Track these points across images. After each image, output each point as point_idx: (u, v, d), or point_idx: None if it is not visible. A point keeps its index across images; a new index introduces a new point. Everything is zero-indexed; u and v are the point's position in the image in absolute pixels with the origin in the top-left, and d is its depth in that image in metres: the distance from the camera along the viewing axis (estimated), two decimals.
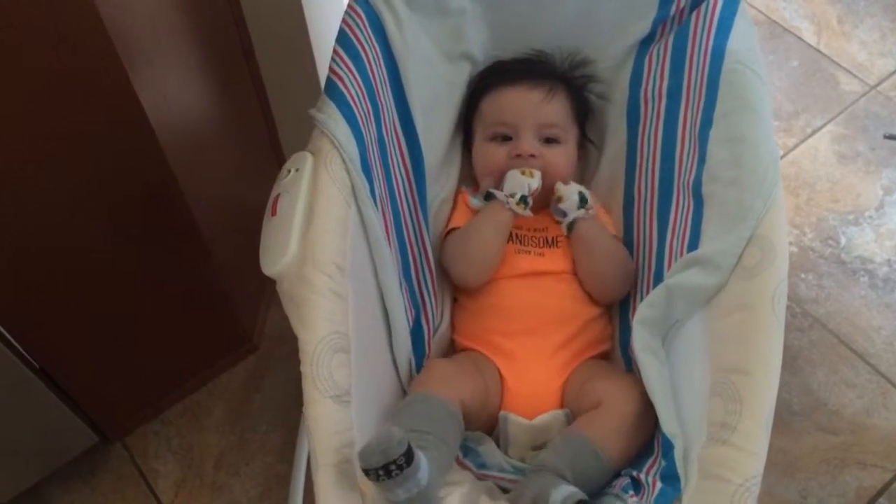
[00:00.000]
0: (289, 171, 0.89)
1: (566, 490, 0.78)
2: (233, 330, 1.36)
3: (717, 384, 0.79)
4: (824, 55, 1.78)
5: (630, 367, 0.99)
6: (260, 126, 1.39)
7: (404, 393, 0.95)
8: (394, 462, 0.70)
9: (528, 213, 1.02)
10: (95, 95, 0.86)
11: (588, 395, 0.91)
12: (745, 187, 0.87)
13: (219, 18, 1.18)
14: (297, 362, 1.36)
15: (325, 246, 0.83)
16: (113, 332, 1.16)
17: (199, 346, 1.33)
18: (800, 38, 1.81)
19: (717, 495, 0.73)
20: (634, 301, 1.02)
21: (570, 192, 1.02)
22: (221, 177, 1.24)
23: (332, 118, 0.90)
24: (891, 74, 1.75)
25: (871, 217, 1.54)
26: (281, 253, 0.83)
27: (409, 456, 0.71)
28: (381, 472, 0.70)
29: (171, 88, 1.02)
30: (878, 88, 1.73)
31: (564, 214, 1.03)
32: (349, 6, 1.01)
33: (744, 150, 0.90)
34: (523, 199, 1.01)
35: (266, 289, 1.46)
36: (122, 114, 0.90)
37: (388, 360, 0.93)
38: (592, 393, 0.91)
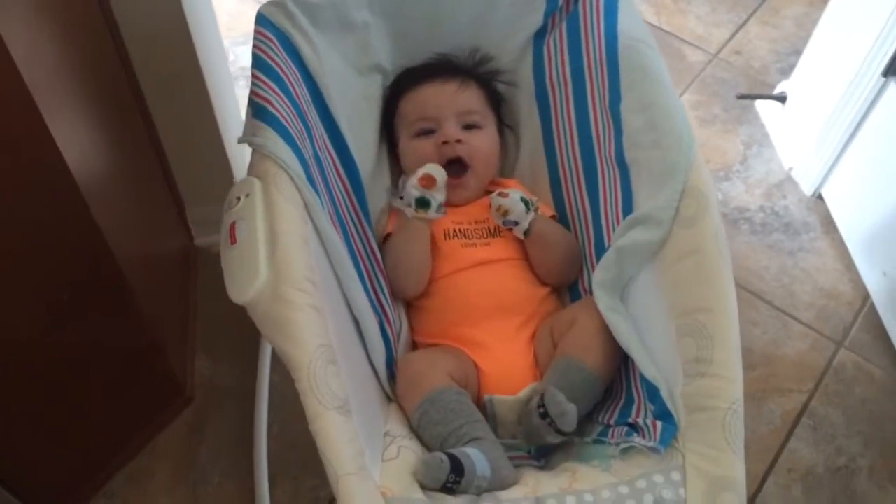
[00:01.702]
0: (238, 199, 0.88)
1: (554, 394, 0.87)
2: (167, 384, 1.30)
3: (684, 326, 0.86)
4: (668, 32, 1.94)
5: None
6: (157, 172, 1.35)
7: (388, 398, 0.96)
8: (448, 481, 0.77)
9: (438, 214, 1.03)
10: (14, 149, 0.82)
11: (560, 325, 0.98)
12: (667, 146, 0.95)
13: (108, 66, 1.14)
14: (235, 406, 1.35)
15: (296, 263, 0.83)
16: (44, 407, 1.09)
17: (135, 406, 1.27)
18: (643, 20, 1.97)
19: (709, 423, 0.80)
20: (581, 272, 1.08)
21: (514, 203, 1.05)
22: (136, 227, 1.20)
23: (270, 140, 0.90)
24: (727, 41, 1.93)
25: (738, 171, 1.70)
26: (251, 278, 0.82)
27: (457, 469, 0.78)
28: (447, 489, 0.78)
29: (84, 140, 0.98)
30: (720, 56, 1.90)
31: (516, 223, 1.06)
32: (257, 31, 1.02)
33: (657, 114, 0.98)
34: (421, 202, 1.02)
35: (190, 336, 1.41)
36: (44, 169, 0.86)
37: (368, 367, 0.94)
38: (563, 321, 0.98)
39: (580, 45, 1.10)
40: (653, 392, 0.86)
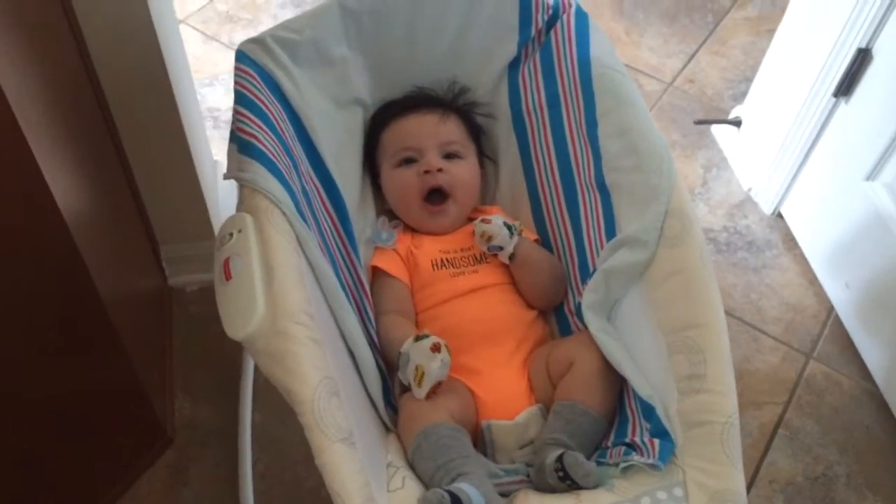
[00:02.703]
0: (230, 235, 0.88)
1: (555, 453, 0.86)
2: (147, 426, 1.28)
3: (675, 344, 0.88)
4: (624, 63, 1.99)
5: None
6: (133, 212, 1.34)
7: (387, 429, 0.96)
8: None
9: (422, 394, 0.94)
10: (7, 186, 0.81)
11: (557, 363, 0.98)
12: (648, 170, 0.98)
13: (86, 107, 1.14)
14: (218, 446, 1.33)
15: (294, 297, 0.83)
16: (22, 453, 1.06)
17: (115, 450, 1.24)
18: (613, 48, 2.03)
19: (707, 437, 0.82)
20: (566, 295, 1.10)
21: (497, 228, 1.07)
22: (115, 266, 1.18)
23: (260, 175, 0.90)
24: (681, 71, 1.99)
25: (700, 193, 1.75)
26: (249, 314, 0.82)
27: (455, 500, 0.77)
28: None
29: (68, 178, 0.97)
30: (674, 84, 1.96)
31: (501, 248, 1.08)
32: (237, 68, 1.02)
33: (635, 139, 1.01)
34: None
35: (168, 377, 1.39)
36: (35, 208, 0.85)
37: (366, 399, 0.94)
38: (560, 359, 0.98)
39: (554, 73, 1.13)
40: (648, 411, 0.88)
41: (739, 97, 1.91)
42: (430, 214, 1.12)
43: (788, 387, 1.46)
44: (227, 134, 1.31)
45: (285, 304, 0.82)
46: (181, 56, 1.34)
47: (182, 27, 1.99)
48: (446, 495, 0.79)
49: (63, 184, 0.91)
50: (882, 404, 1.42)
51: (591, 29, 1.13)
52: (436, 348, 0.93)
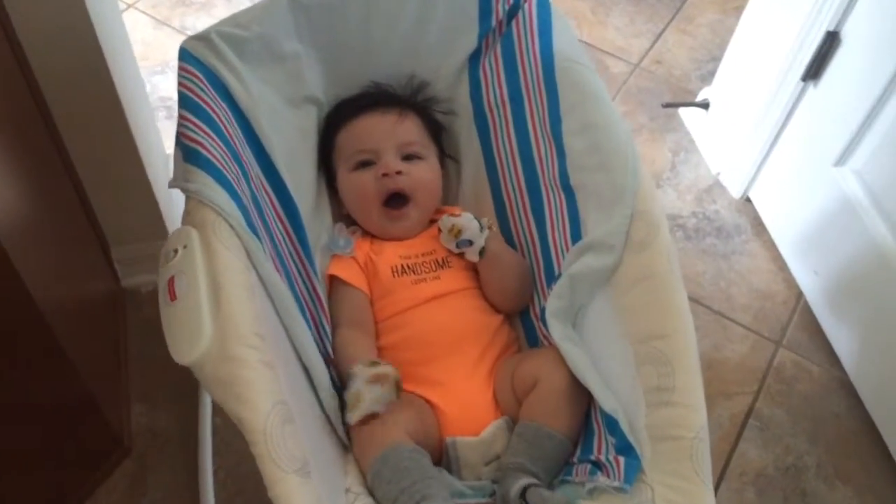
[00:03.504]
0: (175, 251, 0.83)
1: (520, 482, 0.82)
2: (103, 435, 1.23)
3: (642, 354, 0.85)
4: (589, 45, 1.96)
5: None
6: (78, 212, 1.28)
7: (345, 447, 0.92)
8: None
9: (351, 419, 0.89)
10: None
11: (522, 380, 0.94)
12: (612, 168, 0.94)
13: (19, 102, 1.07)
14: (177, 453, 1.29)
15: (243, 317, 0.79)
16: None
17: (70, 462, 1.19)
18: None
19: (676, 453, 0.79)
20: (532, 298, 1.06)
21: (467, 221, 1.03)
22: (57, 271, 1.12)
23: (206, 186, 0.85)
24: (647, 51, 1.96)
25: (668, 178, 1.72)
26: (195, 337, 0.77)
27: None
28: None
29: (7, 194, 0.91)
30: (641, 65, 1.93)
31: (470, 243, 1.03)
32: (181, 68, 0.97)
33: (599, 136, 0.97)
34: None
35: (123, 383, 1.34)
36: None
37: (323, 419, 0.90)
38: (526, 376, 0.94)
39: (516, 66, 1.09)
40: (612, 424, 0.85)
41: (707, 77, 1.88)
42: (389, 219, 1.07)
43: (758, 376, 1.44)
44: None
45: (234, 326, 0.78)
46: (123, 42, 1.27)
47: (130, 12, 1.90)
48: None
49: None
50: (851, 392, 1.41)
51: (555, 18, 1.08)
52: (377, 379, 0.88)
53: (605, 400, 0.86)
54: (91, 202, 1.32)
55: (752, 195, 1.65)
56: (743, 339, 1.49)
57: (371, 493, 0.85)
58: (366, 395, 0.88)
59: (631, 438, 0.83)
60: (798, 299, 1.54)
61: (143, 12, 1.92)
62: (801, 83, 1.42)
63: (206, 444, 1.27)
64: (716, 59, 1.81)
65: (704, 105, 1.73)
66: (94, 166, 1.26)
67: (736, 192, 1.66)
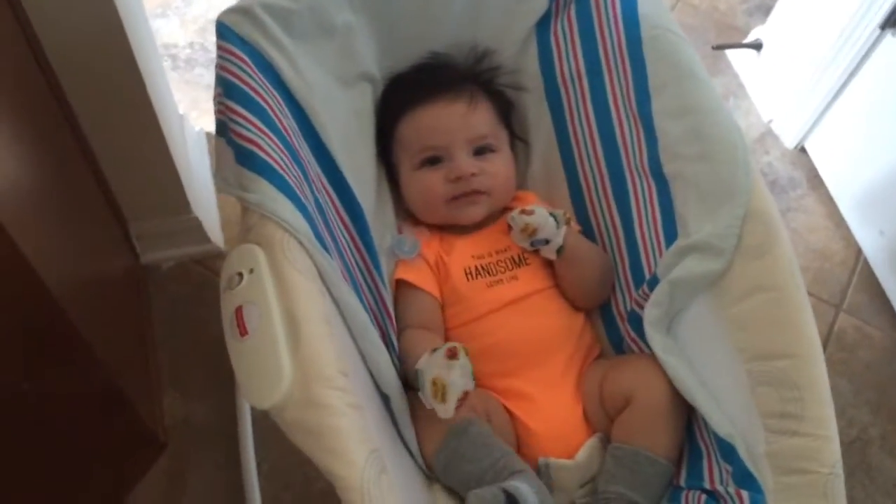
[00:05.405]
0: (240, 276, 0.72)
1: None
2: (135, 431, 1.14)
3: (760, 373, 0.77)
4: None
5: None
6: (91, 186, 1.15)
7: (426, 478, 0.84)
8: None
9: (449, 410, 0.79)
10: None
11: (614, 396, 0.86)
12: (717, 160, 0.84)
13: (23, 70, 0.93)
14: (216, 446, 1.21)
15: (326, 356, 0.69)
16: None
17: (102, 463, 1.11)
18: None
19: (808, 489, 0.72)
20: (614, 293, 0.97)
21: (542, 219, 0.91)
22: (69, 251, 1.00)
23: (269, 197, 0.74)
24: None
25: None
26: (274, 379, 0.68)
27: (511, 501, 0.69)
28: None
29: (8, 168, 0.79)
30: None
31: (547, 242, 0.93)
32: (221, 47, 0.83)
33: (700, 121, 0.86)
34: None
35: (153, 372, 1.25)
36: None
37: (402, 448, 0.82)
38: (617, 391, 0.86)
39: (594, 33, 0.96)
40: (727, 450, 0.77)
41: (754, 12, 1.74)
42: (457, 207, 0.97)
43: (820, 343, 1.38)
44: (187, 76, 1.10)
45: (318, 367, 0.68)
46: None
47: None
48: (501, 494, 0.70)
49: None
50: None
51: None
52: (451, 354, 0.78)
53: (721, 425, 0.78)
54: (105, 174, 1.19)
55: (807, 146, 1.54)
56: None
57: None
58: (447, 376, 0.76)
59: (751, 467, 0.75)
60: (857, 258, 1.46)
61: None
62: (878, 31, 1.30)
63: (247, 436, 1.20)
64: None
65: (757, 46, 1.60)
66: (109, 136, 1.13)
67: (790, 142, 1.56)
